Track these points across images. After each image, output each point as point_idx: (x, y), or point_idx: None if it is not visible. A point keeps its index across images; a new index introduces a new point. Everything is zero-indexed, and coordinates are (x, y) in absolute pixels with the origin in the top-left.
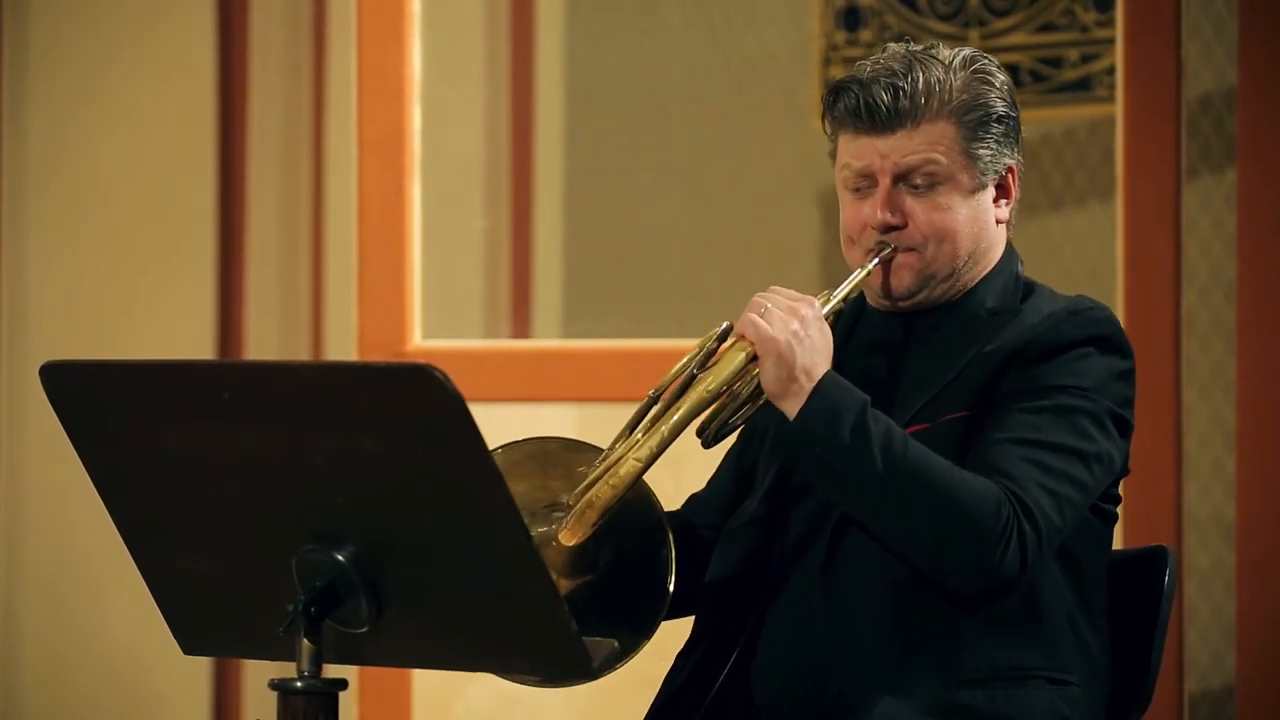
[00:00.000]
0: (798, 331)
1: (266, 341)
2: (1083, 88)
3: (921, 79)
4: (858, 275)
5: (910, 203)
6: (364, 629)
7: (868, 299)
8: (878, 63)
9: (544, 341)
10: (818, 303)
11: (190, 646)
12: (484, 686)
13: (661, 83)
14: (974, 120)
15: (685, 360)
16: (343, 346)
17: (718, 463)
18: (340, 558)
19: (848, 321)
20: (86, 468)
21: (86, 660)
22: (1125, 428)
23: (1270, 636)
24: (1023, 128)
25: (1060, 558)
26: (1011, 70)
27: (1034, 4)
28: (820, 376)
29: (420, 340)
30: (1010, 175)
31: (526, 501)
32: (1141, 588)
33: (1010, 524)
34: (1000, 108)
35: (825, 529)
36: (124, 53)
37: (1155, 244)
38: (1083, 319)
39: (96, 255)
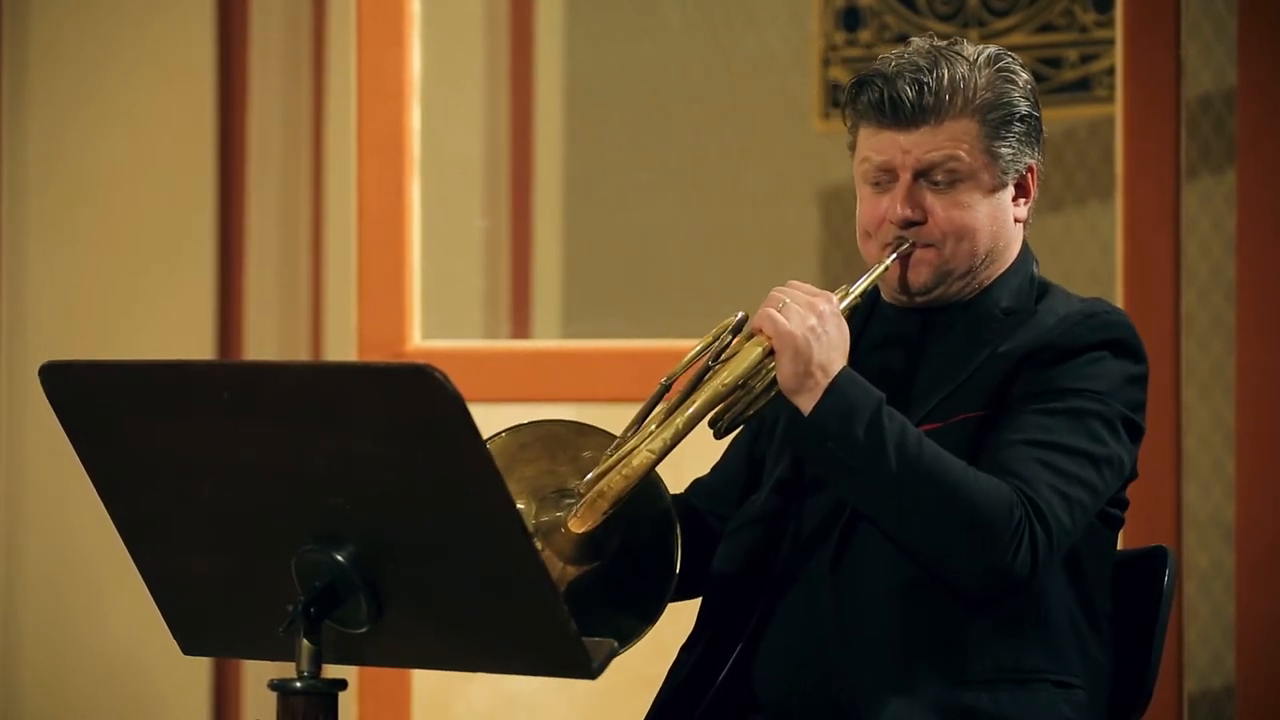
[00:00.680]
0: (815, 327)
1: (266, 341)
2: (1082, 88)
3: (946, 75)
4: (876, 270)
5: (930, 199)
6: (363, 629)
7: (883, 294)
8: (902, 57)
9: (543, 342)
10: (835, 298)
11: (190, 647)
12: (484, 687)
13: (661, 83)
14: (997, 119)
15: (697, 350)
16: (342, 347)
17: (722, 449)
18: (340, 558)
19: (861, 316)
20: (86, 468)
21: (86, 660)
22: (1136, 432)
23: (1270, 636)
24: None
25: (1064, 561)
26: None
27: (1033, 4)
28: (836, 373)
29: (420, 340)
30: (1030, 175)
31: (534, 486)
32: (1141, 588)
33: (1022, 525)
34: (1023, 107)
35: (836, 525)
36: (124, 52)
37: (1155, 244)
38: (1098, 322)
39: (96, 255)
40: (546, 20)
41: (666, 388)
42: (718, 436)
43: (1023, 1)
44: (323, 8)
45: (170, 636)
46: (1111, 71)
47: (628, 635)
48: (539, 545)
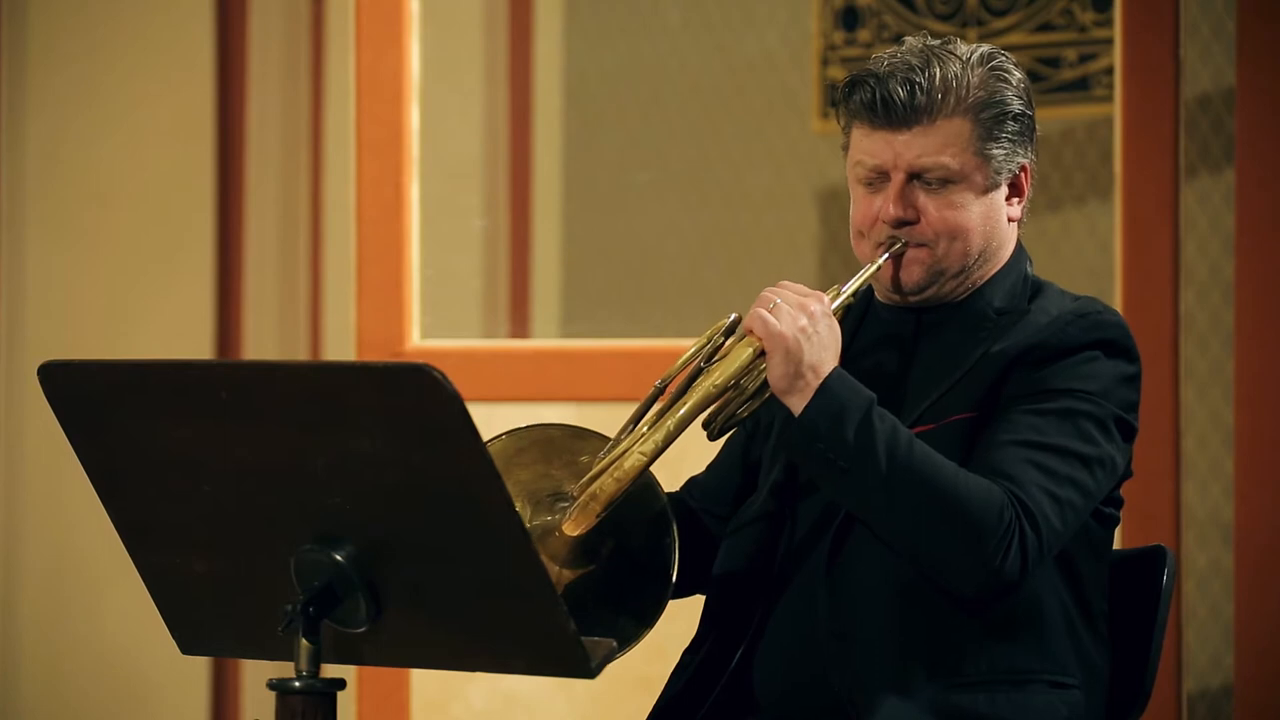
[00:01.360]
0: (806, 328)
1: (265, 341)
2: (1081, 88)
3: (939, 75)
4: (868, 270)
5: (923, 199)
6: (362, 629)
7: (876, 294)
8: (895, 56)
9: (542, 341)
10: (827, 298)
11: (188, 646)
12: (482, 686)
13: (660, 83)
14: (989, 118)
15: (691, 353)
16: (341, 346)
17: (720, 448)
18: (338, 557)
19: (856, 316)
20: (85, 468)
21: (85, 660)
22: (1129, 432)
23: (1268, 636)
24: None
25: (1059, 561)
26: None
27: (1032, 4)
28: (827, 373)
29: (418, 340)
30: (1024, 174)
31: (530, 490)
32: (1140, 587)
33: (1012, 527)
34: (1016, 106)
35: (830, 527)
36: (123, 53)
37: (1153, 244)
38: (1090, 322)
39: (95, 255)
40: (545, 20)
41: (661, 390)
42: (711, 438)
43: (1021, 1)
44: (321, 8)
45: (169, 636)
46: (1110, 71)
47: (625, 638)
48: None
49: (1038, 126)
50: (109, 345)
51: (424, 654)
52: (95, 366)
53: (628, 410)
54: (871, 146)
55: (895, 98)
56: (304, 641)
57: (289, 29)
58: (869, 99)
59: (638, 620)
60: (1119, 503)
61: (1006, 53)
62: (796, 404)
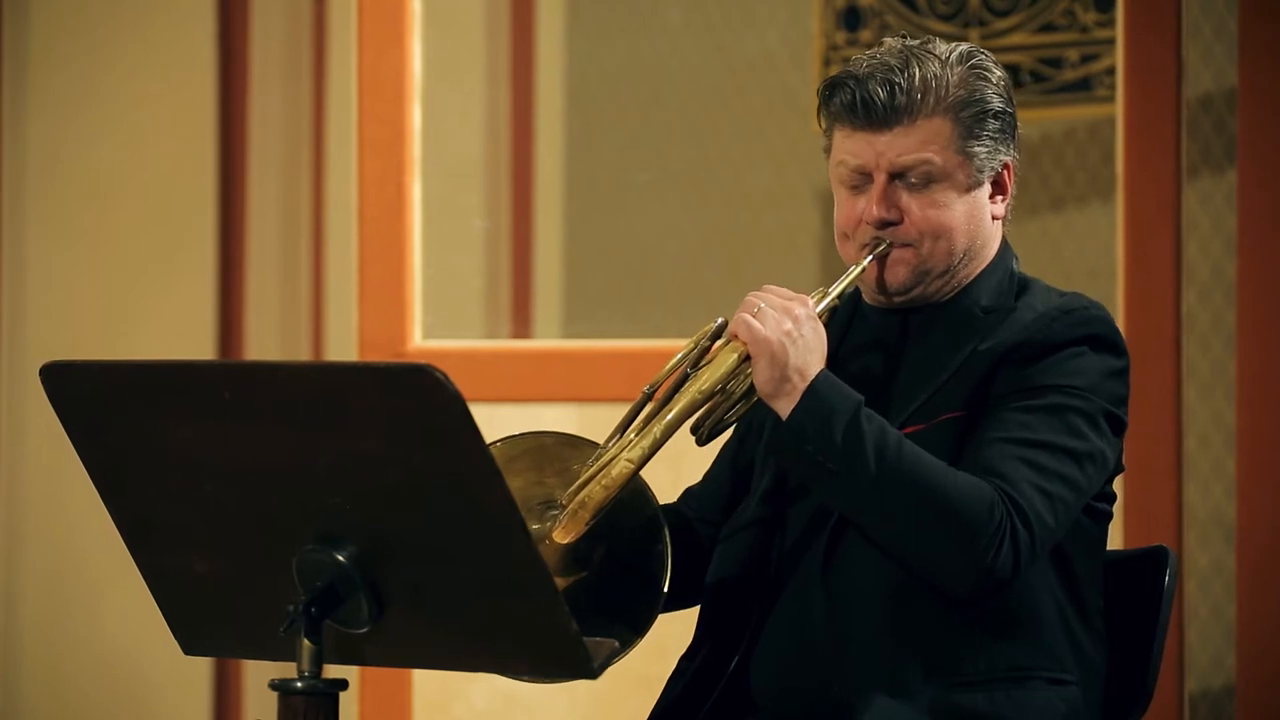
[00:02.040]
0: (791, 331)
1: (267, 342)
2: (1083, 88)
3: (918, 75)
4: (852, 272)
5: (906, 199)
6: (364, 629)
7: (864, 296)
8: (874, 58)
9: (544, 342)
10: (811, 301)
11: (190, 647)
12: (484, 687)
13: (661, 83)
14: (970, 116)
15: (679, 358)
16: (343, 347)
17: (715, 456)
18: (341, 558)
19: (844, 319)
20: (86, 468)
21: (86, 660)
22: (1119, 426)
23: (1270, 637)
24: (1023, 127)
25: (1053, 557)
26: (1012, 71)
27: (1034, 4)
28: (814, 376)
29: (420, 340)
30: (1006, 172)
31: (522, 498)
32: (1141, 588)
33: (1004, 525)
34: (996, 104)
35: (824, 529)
36: (125, 53)
37: (1155, 244)
38: (1076, 318)
39: (97, 255)
40: (547, 20)
41: (649, 395)
42: (700, 443)
43: (1024, 1)
44: (323, 8)
45: (171, 636)
46: (1112, 71)
47: (620, 644)
48: None
49: (1019, 124)
50: (110, 345)
51: (426, 654)
52: (97, 367)
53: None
54: (853, 147)
55: (875, 99)
56: (306, 642)
57: (291, 28)
58: (849, 100)
59: (631, 627)
60: (1111, 498)
61: (986, 51)
62: (784, 407)
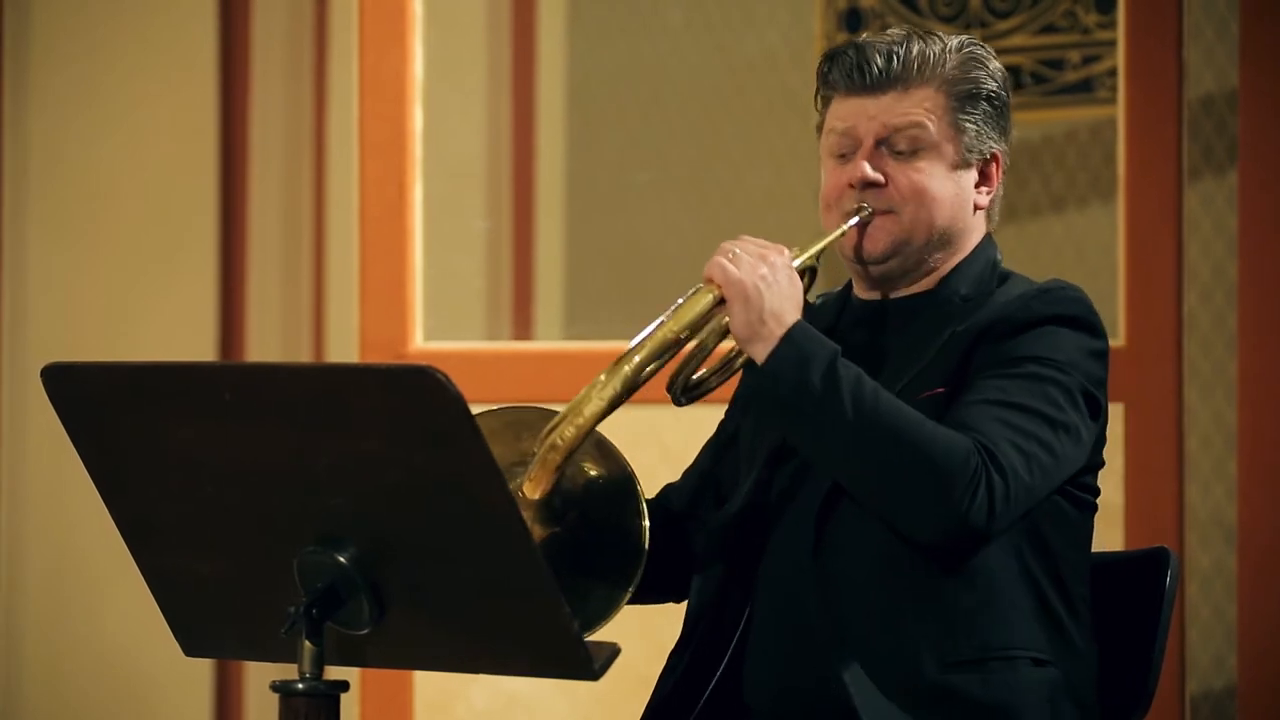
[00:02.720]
0: (765, 275)
1: (268, 343)
2: (1084, 89)
3: (917, 48)
4: (833, 235)
5: (891, 164)
6: (365, 630)
7: (853, 286)
8: (878, 34)
9: (545, 343)
10: (788, 252)
11: (191, 648)
12: (485, 688)
13: (662, 84)
14: (963, 93)
15: (659, 319)
16: (344, 348)
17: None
18: (342, 559)
19: (834, 312)
20: (88, 469)
21: (87, 661)
22: (1096, 407)
23: (1271, 638)
24: (1024, 129)
25: (1032, 542)
26: (1013, 72)
27: (1035, 6)
28: (790, 323)
29: (421, 342)
30: (995, 164)
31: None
32: (1143, 589)
33: (979, 472)
34: (991, 86)
35: (810, 514)
36: (126, 54)
37: (1157, 245)
38: (1053, 297)
39: (98, 256)
40: (548, 21)
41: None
42: (676, 401)
43: (1025, 3)
44: (325, 9)
45: (172, 637)
46: (1114, 73)
47: (599, 610)
48: None
49: (1037, 127)
50: (111, 346)
51: (427, 655)
52: (98, 368)
53: (632, 412)
54: (845, 111)
55: (873, 63)
56: (307, 643)
57: (292, 29)
58: (847, 65)
59: (611, 589)
60: (1094, 491)
61: (988, 46)
62: (760, 351)
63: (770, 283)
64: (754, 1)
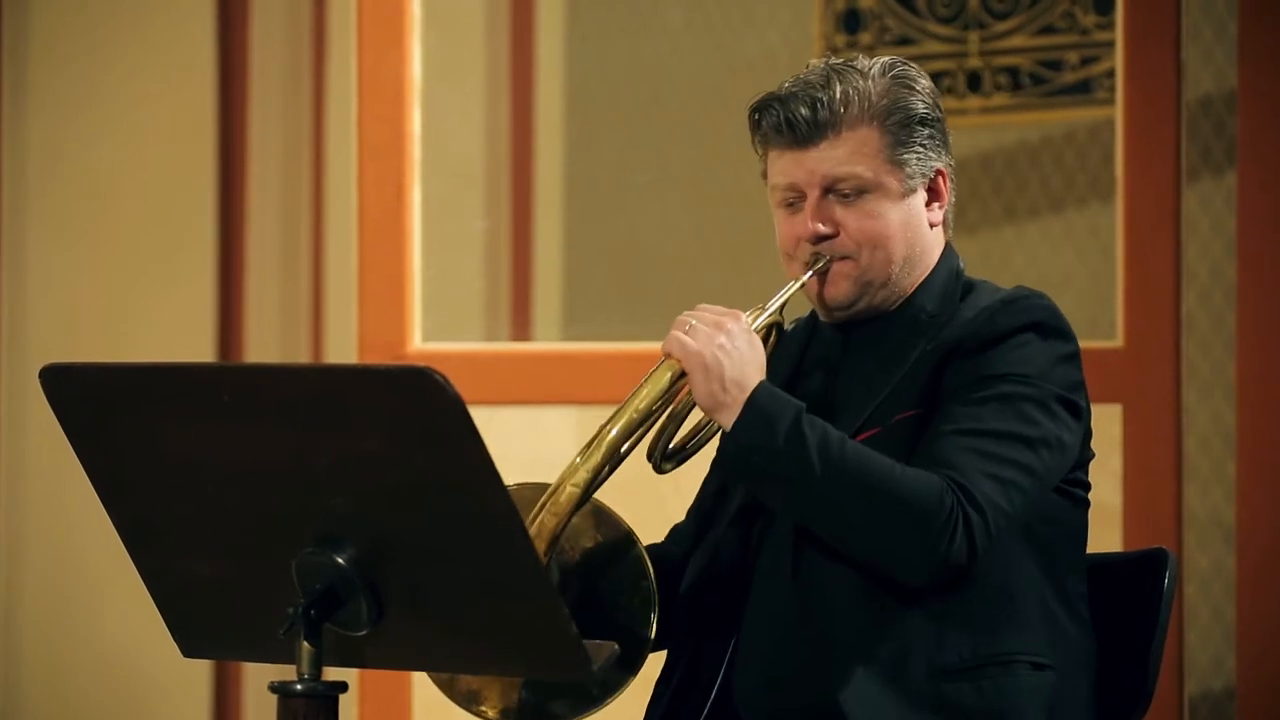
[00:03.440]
0: (724, 344)
1: (267, 344)
2: (1083, 90)
3: (838, 89)
4: (790, 288)
5: (840, 212)
6: (364, 632)
7: (818, 315)
8: (797, 79)
9: (544, 344)
10: (745, 316)
11: (190, 649)
12: None
13: (662, 85)
14: (896, 123)
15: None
16: (343, 349)
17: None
18: (340, 560)
19: (802, 339)
20: (86, 470)
21: (87, 662)
22: (1075, 410)
23: (1270, 639)
24: (1022, 130)
25: (1029, 541)
26: (1011, 73)
27: (1034, 6)
28: (752, 387)
29: (420, 343)
30: (941, 178)
31: None
32: (1141, 589)
33: (955, 512)
34: (921, 109)
35: (787, 541)
36: (124, 56)
37: (1155, 246)
38: (1018, 307)
39: (97, 258)
40: (547, 22)
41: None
42: (657, 469)
43: (1023, 4)
44: (323, 10)
45: (170, 638)
46: (1112, 74)
47: (610, 686)
48: None
49: (1039, 129)
50: (110, 347)
51: (426, 657)
52: (96, 369)
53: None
54: (784, 167)
55: (799, 116)
56: (306, 644)
57: (291, 30)
58: (775, 121)
59: (621, 667)
60: (1086, 485)
61: (910, 62)
62: (726, 419)
63: (729, 350)
64: (753, 2)
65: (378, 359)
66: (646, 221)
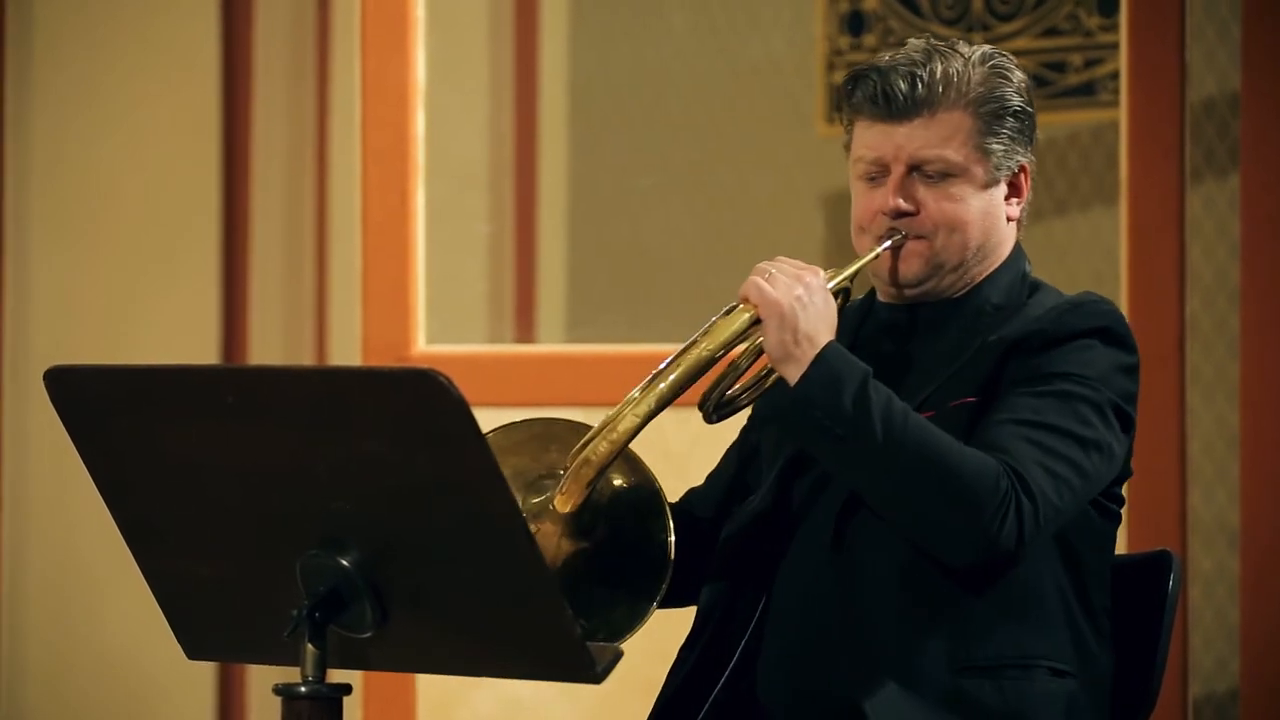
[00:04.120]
0: (801, 296)
1: (270, 346)
2: (1087, 92)
3: (940, 69)
4: (867, 257)
5: (923, 191)
6: (368, 634)
7: (877, 293)
8: (898, 53)
9: (547, 346)
10: (823, 274)
11: (194, 651)
12: (488, 691)
13: (665, 88)
14: (989, 113)
15: (691, 339)
16: (347, 351)
17: (720, 458)
18: (344, 562)
19: (857, 316)
20: (90, 472)
21: (90, 664)
22: (1127, 422)
23: (1274, 641)
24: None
25: (1060, 550)
26: None
27: (1038, 8)
28: (823, 344)
29: (424, 345)
30: (1023, 174)
31: (523, 473)
32: (1145, 592)
33: (1009, 496)
34: (1016, 102)
35: (831, 512)
36: (129, 58)
37: (1159, 248)
38: (1087, 310)
39: (101, 260)
40: (551, 25)
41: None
42: (708, 419)
43: (1027, 5)
44: (327, 13)
45: (174, 640)
46: (1116, 76)
47: (623, 624)
48: (532, 528)
49: (1038, 130)
50: (114, 349)
51: (430, 659)
52: (100, 371)
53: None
54: (873, 139)
55: (897, 90)
56: (310, 646)
57: (295, 34)
58: (871, 92)
59: (635, 604)
60: (1120, 500)
61: (1009, 54)
62: (792, 372)
63: (806, 303)
64: (756, 5)
65: (381, 361)
66: (650, 224)
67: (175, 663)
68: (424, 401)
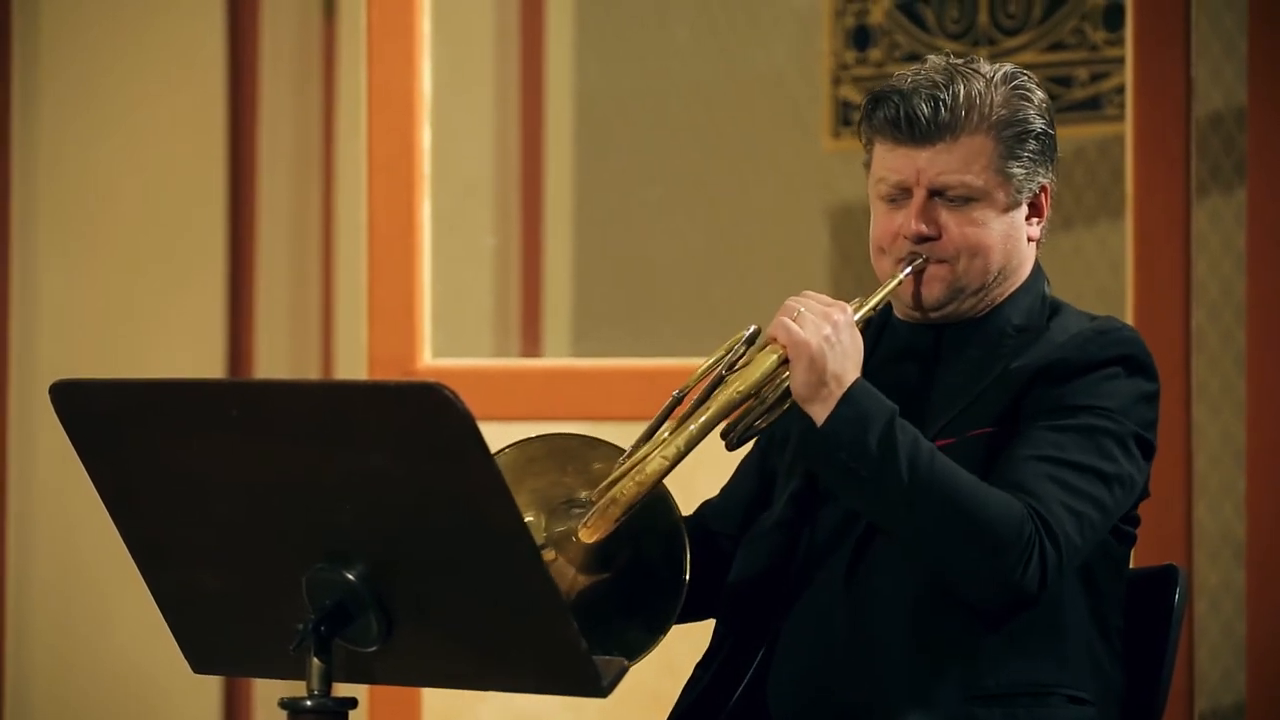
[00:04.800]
0: (830, 336)
1: (276, 360)
2: (1092, 106)
3: (962, 91)
4: (890, 284)
5: (945, 215)
6: (374, 648)
7: (895, 310)
8: (919, 74)
9: (554, 360)
10: (850, 309)
11: (200, 665)
12: (494, 706)
13: (671, 101)
14: (1011, 136)
15: (711, 362)
16: (352, 365)
17: (734, 464)
18: (350, 576)
19: (875, 332)
20: (96, 486)
21: (96, 676)
22: (1148, 450)
23: None
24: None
25: (1080, 576)
26: None
27: (1044, 23)
28: (850, 383)
29: (430, 359)
30: (1044, 194)
31: (544, 497)
32: (1152, 606)
33: (1032, 541)
34: (1038, 125)
35: (850, 538)
36: (133, 71)
37: (1165, 262)
38: (1110, 339)
39: (106, 273)
40: (557, 38)
41: (678, 400)
42: (730, 448)
43: (1033, 20)
44: (333, 25)
45: (180, 654)
46: (1122, 90)
47: (636, 648)
48: (551, 555)
49: (1058, 147)
50: (120, 362)
51: (436, 673)
52: (106, 385)
53: (640, 429)
54: (894, 163)
55: (919, 114)
56: (315, 660)
57: (300, 46)
58: (893, 115)
59: (648, 631)
60: (1136, 521)
61: (1029, 73)
62: (819, 413)
63: (834, 343)
64: (762, 18)
65: (387, 374)
66: (656, 237)
67: (181, 675)
68: (430, 415)
